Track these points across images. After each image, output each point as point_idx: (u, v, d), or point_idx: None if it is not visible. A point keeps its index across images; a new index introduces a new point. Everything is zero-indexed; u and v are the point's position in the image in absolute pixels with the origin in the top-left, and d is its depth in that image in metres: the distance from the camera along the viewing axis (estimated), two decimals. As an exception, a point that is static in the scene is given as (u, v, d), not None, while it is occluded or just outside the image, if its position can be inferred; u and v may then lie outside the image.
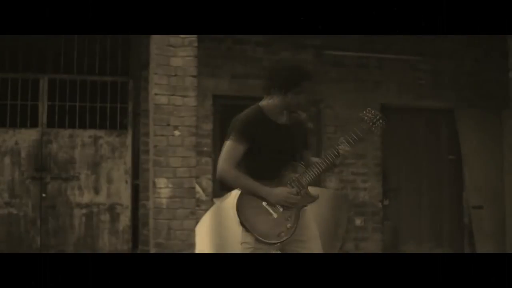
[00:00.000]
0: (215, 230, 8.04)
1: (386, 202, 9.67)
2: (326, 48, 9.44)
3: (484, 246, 9.54)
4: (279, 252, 4.53)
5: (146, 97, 8.57)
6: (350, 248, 9.26)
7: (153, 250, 7.14)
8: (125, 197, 8.67)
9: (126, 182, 8.69)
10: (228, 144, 4.46)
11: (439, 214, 9.95)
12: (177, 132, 7.27)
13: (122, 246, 8.55)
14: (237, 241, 7.95)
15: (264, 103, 4.56)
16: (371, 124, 4.59)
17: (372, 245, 9.43)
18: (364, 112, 4.63)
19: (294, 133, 4.61)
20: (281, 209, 4.43)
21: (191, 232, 7.26)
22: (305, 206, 4.57)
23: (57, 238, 8.40)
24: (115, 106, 8.78)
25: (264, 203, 4.42)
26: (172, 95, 7.29)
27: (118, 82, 8.81)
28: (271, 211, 4.43)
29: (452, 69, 9.86)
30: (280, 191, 4.42)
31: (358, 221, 9.48)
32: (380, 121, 4.62)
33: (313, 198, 4.58)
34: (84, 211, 8.52)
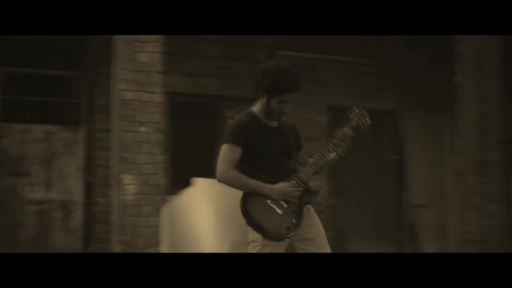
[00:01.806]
0: (169, 228, 8.00)
1: (332, 201, 9.86)
2: (277, 48, 9.54)
3: (426, 245, 9.88)
4: (285, 252, 4.59)
5: (103, 92, 8.46)
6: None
7: (117, 247, 7.04)
8: (78, 194, 8.47)
9: (79, 178, 8.50)
10: (224, 148, 4.51)
11: (382, 213, 10.24)
12: (142, 128, 7.20)
13: (74, 244, 8.36)
14: (191, 238, 8.00)
15: (255, 107, 4.62)
16: (360, 122, 4.69)
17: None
18: (353, 112, 4.72)
19: (287, 135, 4.67)
20: (285, 205, 4.47)
21: (156, 229, 7.21)
22: (309, 203, 4.64)
23: (7, 236, 8.13)
24: (68, 101, 8.58)
25: (268, 201, 4.46)
26: (138, 91, 7.22)
27: (71, 77, 8.62)
28: (276, 207, 4.46)
29: (397, 72, 10.16)
30: (281, 186, 4.47)
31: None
32: (368, 120, 4.72)
33: (314, 194, 4.63)
34: (35, 208, 8.29)
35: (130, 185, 7.09)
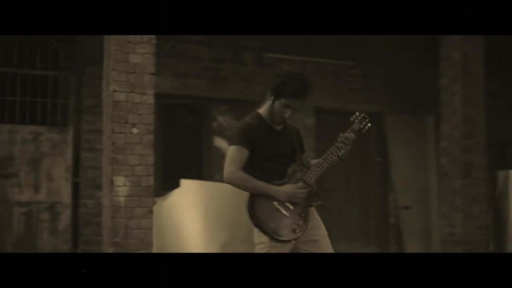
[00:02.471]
0: (156, 230, 7.98)
1: (319, 202, 9.89)
2: (265, 50, 9.58)
3: (412, 245, 9.97)
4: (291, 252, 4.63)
5: (91, 93, 8.44)
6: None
7: (110, 249, 7.01)
8: (66, 195, 8.42)
9: (67, 180, 8.45)
10: (232, 149, 4.55)
11: (368, 214, 10.32)
12: (135, 130, 7.18)
13: (62, 246, 8.30)
14: (179, 240, 7.99)
15: (261, 109, 4.67)
16: (361, 126, 4.75)
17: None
18: (354, 116, 4.78)
19: (292, 138, 4.73)
20: (291, 207, 4.53)
21: (149, 231, 7.20)
22: (312, 206, 4.70)
23: (-5, 237, 8.09)
24: (56, 102, 8.52)
25: (274, 203, 4.50)
26: (131, 92, 7.19)
27: (59, 77, 8.56)
28: (282, 209, 4.51)
29: (383, 75, 10.25)
30: (288, 188, 4.53)
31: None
32: (369, 124, 4.78)
33: (319, 195, 4.70)
34: (23, 209, 8.21)
35: (122, 186, 7.06)
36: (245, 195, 8.46)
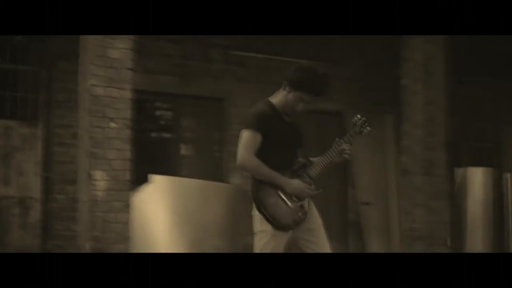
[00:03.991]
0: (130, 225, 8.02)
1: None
2: (232, 48, 9.71)
3: (372, 241, 10.23)
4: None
5: (62, 88, 8.44)
6: (251, 242, 9.53)
7: (87, 243, 7.03)
8: (36, 190, 8.37)
9: (37, 174, 8.40)
10: (246, 134, 4.66)
11: (328, 210, 10.50)
12: (113, 124, 7.21)
13: (32, 240, 8.26)
14: (148, 236, 8.04)
15: (274, 98, 4.81)
16: (361, 128, 4.94)
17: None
18: (356, 118, 4.97)
19: (298, 131, 4.91)
20: (294, 199, 4.70)
21: (126, 225, 7.24)
22: None
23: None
24: (26, 96, 8.47)
25: (279, 192, 4.66)
26: (109, 86, 7.23)
27: (30, 71, 8.51)
28: (287, 200, 4.67)
29: (344, 75, 10.48)
30: (298, 183, 4.70)
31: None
32: (368, 128, 4.97)
33: (318, 191, 4.87)
34: (-7, 204, 8.17)
35: (100, 181, 7.09)
36: (217, 191, 8.58)
